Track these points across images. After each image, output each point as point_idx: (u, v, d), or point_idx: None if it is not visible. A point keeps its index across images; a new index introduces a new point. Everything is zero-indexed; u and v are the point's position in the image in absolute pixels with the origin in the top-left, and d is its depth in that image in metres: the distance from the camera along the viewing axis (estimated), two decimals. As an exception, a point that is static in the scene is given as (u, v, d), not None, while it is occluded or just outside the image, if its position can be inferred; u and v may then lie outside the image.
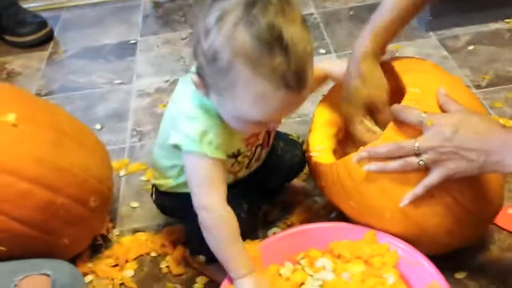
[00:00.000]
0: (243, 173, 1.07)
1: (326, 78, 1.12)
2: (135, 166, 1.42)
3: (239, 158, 1.02)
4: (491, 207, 0.97)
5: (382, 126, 1.00)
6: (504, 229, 1.12)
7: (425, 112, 0.88)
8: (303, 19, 0.80)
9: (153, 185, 1.13)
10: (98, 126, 1.58)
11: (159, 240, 1.20)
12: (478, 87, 1.54)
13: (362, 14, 1.96)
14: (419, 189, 0.88)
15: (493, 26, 1.80)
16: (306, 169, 1.20)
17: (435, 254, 0.95)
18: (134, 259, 1.17)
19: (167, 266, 1.15)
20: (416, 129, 0.88)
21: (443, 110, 0.91)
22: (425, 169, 0.87)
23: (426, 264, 0.92)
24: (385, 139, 0.92)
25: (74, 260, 1.13)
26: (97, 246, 1.18)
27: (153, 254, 1.18)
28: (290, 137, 1.19)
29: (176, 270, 1.14)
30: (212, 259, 0.96)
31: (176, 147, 0.92)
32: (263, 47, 0.76)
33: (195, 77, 0.86)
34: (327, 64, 1.12)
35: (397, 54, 1.69)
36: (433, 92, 0.93)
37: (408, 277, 0.95)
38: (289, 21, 0.77)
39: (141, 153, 1.47)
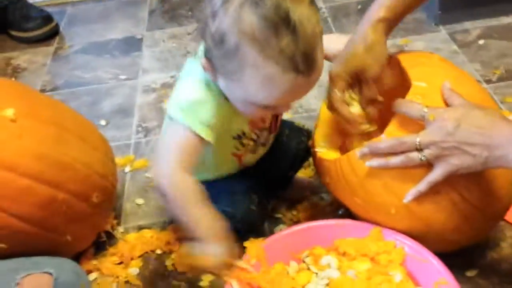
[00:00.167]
0: (248, 158, 1.06)
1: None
2: (140, 162, 1.41)
3: (244, 140, 1.00)
4: (499, 203, 0.96)
5: (365, 103, 0.98)
6: (515, 226, 1.11)
7: (427, 106, 0.86)
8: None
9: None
10: (103, 122, 1.57)
11: (165, 237, 1.18)
12: (488, 81, 1.53)
13: (370, 8, 1.94)
14: (422, 185, 0.86)
15: (504, 20, 1.77)
16: (313, 166, 1.19)
17: (444, 251, 0.94)
18: (139, 256, 1.16)
19: (173, 264, 1.14)
20: (419, 125, 0.86)
21: (447, 105, 0.89)
22: (429, 165, 0.85)
23: (434, 261, 0.91)
24: (388, 134, 0.91)
25: (78, 257, 1.12)
26: (101, 243, 1.17)
27: (158, 251, 1.17)
28: (296, 124, 1.17)
29: (181, 267, 1.12)
30: None
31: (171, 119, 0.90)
32: (269, 28, 0.74)
33: (203, 60, 0.85)
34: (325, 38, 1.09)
35: (406, 49, 1.67)
36: (440, 87, 0.91)
37: (415, 274, 0.94)
38: (296, 1, 0.75)
39: (146, 149, 1.46)
